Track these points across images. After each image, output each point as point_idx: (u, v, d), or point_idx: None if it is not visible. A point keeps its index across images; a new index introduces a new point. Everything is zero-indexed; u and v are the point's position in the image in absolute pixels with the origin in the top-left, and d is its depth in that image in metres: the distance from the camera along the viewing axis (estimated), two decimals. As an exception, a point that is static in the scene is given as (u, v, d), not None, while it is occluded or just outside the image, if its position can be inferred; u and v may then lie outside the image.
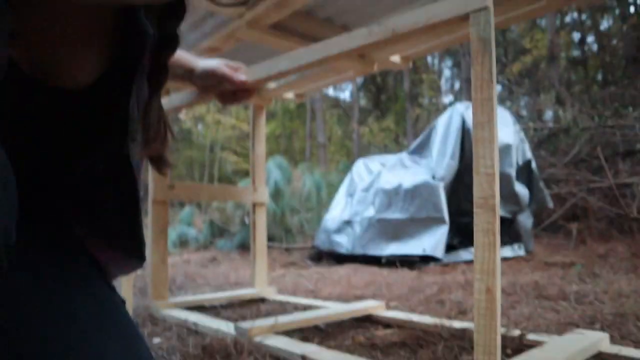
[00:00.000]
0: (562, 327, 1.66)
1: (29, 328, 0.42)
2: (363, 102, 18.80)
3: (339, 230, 4.37)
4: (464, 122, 3.96)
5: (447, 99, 16.63)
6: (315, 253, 4.67)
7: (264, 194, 2.55)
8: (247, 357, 1.36)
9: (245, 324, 1.58)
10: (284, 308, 2.22)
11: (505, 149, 3.88)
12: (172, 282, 3.17)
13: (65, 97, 0.50)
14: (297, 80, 2.06)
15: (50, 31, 0.47)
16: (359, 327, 1.81)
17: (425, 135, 4.54)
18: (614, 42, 11.60)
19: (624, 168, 5.10)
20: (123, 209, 0.57)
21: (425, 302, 2.25)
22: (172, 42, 0.62)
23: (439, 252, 3.57)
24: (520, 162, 4.12)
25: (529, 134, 6.06)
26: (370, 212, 4.13)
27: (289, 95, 2.32)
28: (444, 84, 17.86)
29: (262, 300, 2.44)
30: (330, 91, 18.10)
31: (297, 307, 2.21)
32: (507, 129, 4.06)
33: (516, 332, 1.46)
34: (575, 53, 13.13)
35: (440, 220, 3.67)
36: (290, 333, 1.65)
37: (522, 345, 1.41)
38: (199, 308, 2.23)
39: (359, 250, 4.04)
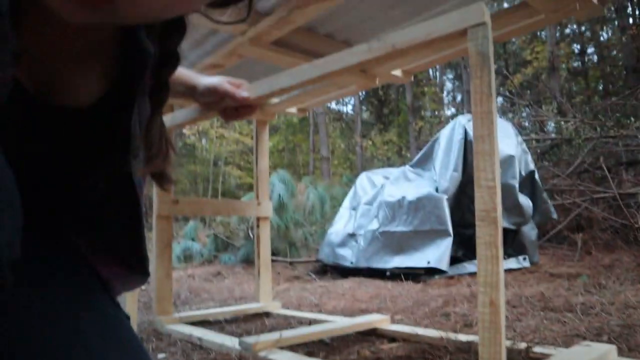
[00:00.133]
0: (568, 339, 1.65)
1: (33, 344, 0.42)
2: (366, 115, 18.88)
3: (343, 243, 4.37)
4: (466, 134, 3.97)
5: (449, 111, 16.69)
6: (319, 267, 4.66)
7: (267, 208, 2.56)
8: (252, 372, 1.35)
9: (250, 339, 1.58)
10: (288, 322, 2.21)
11: (508, 161, 3.88)
12: (177, 296, 3.17)
13: (68, 116, 0.51)
14: (300, 95, 2.08)
15: (54, 51, 0.48)
16: (364, 341, 1.81)
17: (428, 148, 4.55)
18: (614, 53, 11.65)
19: (627, 178, 5.09)
20: (126, 226, 0.57)
21: (430, 315, 2.23)
22: (173, 60, 0.62)
23: (443, 264, 3.56)
24: (524, 174, 4.12)
25: (532, 145, 6.06)
26: (374, 225, 4.13)
27: (292, 110, 2.34)
28: (445, 97, 17.94)
29: (267, 314, 2.44)
30: (333, 105, 18.20)
31: (301, 322, 2.20)
32: (509, 140, 4.07)
33: (522, 345, 1.45)
34: (576, 64, 13.19)
35: (444, 233, 3.66)
36: (295, 347, 1.65)
37: (528, 358, 1.41)
38: (204, 323, 2.23)
39: (363, 264, 4.03)
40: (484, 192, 0.88)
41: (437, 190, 3.91)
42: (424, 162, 4.49)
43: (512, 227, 3.91)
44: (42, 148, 0.52)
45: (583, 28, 12.92)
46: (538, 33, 11.83)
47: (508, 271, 3.60)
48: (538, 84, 11.07)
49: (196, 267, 5.60)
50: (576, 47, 13.38)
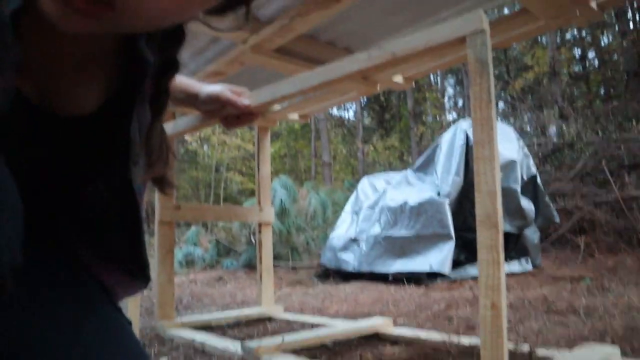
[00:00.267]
0: (572, 342, 1.65)
1: (35, 349, 0.43)
2: (367, 120, 18.89)
3: (345, 248, 4.37)
4: (467, 139, 3.99)
5: (450, 116, 16.69)
6: (321, 271, 4.66)
7: (269, 214, 2.57)
8: (255, 376, 1.36)
9: (252, 343, 1.58)
10: (290, 326, 2.22)
11: (510, 165, 3.89)
12: (179, 301, 3.17)
13: (69, 124, 0.52)
14: (301, 101, 2.09)
15: (55, 60, 0.49)
16: (367, 344, 1.81)
17: (429, 153, 4.56)
18: (615, 57, 11.66)
19: (629, 181, 5.09)
20: (126, 232, 0.58)
21: (432, 319, 2.24)
22: (173, 67, 0.63)
23: (445, 268, 3.56)
24: (526, 178, 4.13)
25: (533, 150, 6.07)
26: (376, 229, 4.14)
27: (294, 116, 2.35)
28: (447, 102, 17.95)
29: (269, 319, 2.44)
30: (335, 111, 18.22)
31: (304, 326, 2.20)
32: (511, 145, 4.08)
33: (525, 348, 1.46)
34: (577, 69, 13.19)
35: (447, 237, 3.66)
36: (297, 351, 1.65)
37: (531, 361, 1.41)
38: (206, 327, 2.23)
39: (365, 268, 4.03)
40: (484, 197, 0.89)
41: (438, 194, 3.92)
42: (426, 167, 4.50)
43: (514, 230, 3.91)
44: (43, 156, 0.53)
45: (584, 33, 12.94)
46: (539, 38, 11.85)
47: (510, 274, 3.60)
48: (539, 88, 11.09)
49: (198, 272, 5.61)
50: (577, 52, 13.41)
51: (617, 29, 11.27)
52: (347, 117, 19.70)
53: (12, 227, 0.35)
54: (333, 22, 1.89)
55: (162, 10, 0.39)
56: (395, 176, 4.86)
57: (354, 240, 4.34)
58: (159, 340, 2.01)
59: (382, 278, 3.85)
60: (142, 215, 0.59)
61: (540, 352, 1.44)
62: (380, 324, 1.95)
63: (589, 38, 12.97)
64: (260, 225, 2.55)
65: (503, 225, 0.88)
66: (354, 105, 16.85)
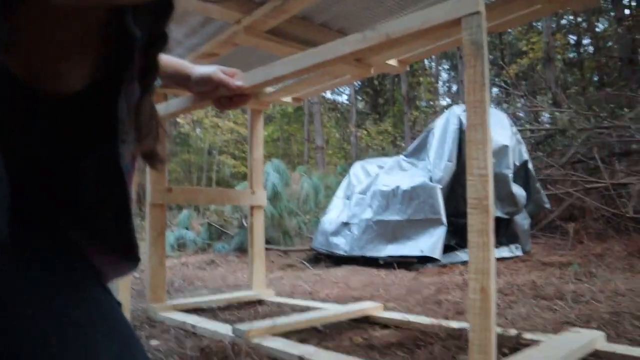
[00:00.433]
0: (558, 326, 1.68)
1: (24, 331, 0.43)
2: (361, 105, 18.82)
3: (336, 232, 4.39)
4: (461, 124, 3.98)
5: (444, 101, 16.67)
6: (313, 255, 4.68)
7: (262, 197, 2.56)
8: (244, 358, 1.37)
9: (243, 326, 1.59)
10: (281, 310, 2.23)
11: (502, 151, 3.90)
12: (170, 284, 3.18)
13: (57, 103, 0.52)
14: (295, 84, 2.07)
15: (43, 37, 0.48)
16: (357, 328, 1.83)
17: (422, 138, 4.56)
18: (610, 44, 11.66)
19: (619, 168, 5.13)
20: (114, 211, 0.58)
21: (422, 303, 2.26)
22: (161, 41, 0.62)
23: (436, 253, 3.59)
24: (517, 164, 4.14)
25: (526, 136, 6.09)
26: (368, 214, 4.15)
27: (287, 99, 2.33)
28: (441, 87, 17.91)
29: (260, 302, 2.45)
30: (328, 94, 18.13)
31: (295, 309, 2.22)
32: (504, 130, 4.08)
33: (513, 332, 1.48)
34: (572, 55, 13.19)
35: (438, 222, 3.68)
36: (288, 335, 1.66)
37: (519, 345, 1.43)
38: (197, 310, 2.24)
39: (356, 252, 4.05)
40: (476, 181, 0.89)
41: (431, 179, 3.93)
42: (419, 152, 4.50)
43: (505, 216, 3.94)
44: (31, 135, 0.52)
45: (579, 19, 12.91)
46: (534, 24, 11.81)
47: (500, 260, 3.63)
48: (533, 74, 11.08)
49: (190, 255, 5.61)
50: (572, 38, 13.39)
51: (613, 15, 11.24)
52: (340, 101, 19.62)
53: None
54: (326, 3, 1.87)
55: None
56: (387, 161, 4.86)
57: (346, 225, 4.36)
58: (150, 322, 2.02)
59: (373, 262, 3.87)
60: (131, 194, 0.59)
61: (528, 336, 1.45)
62: (370, 307, 1.97)
63: (584, 24, 12.94)
64: (252, 208, 2.54)
65: (494, 210, 0.88)
66: (348, 89, 16.78)
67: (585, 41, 13.67)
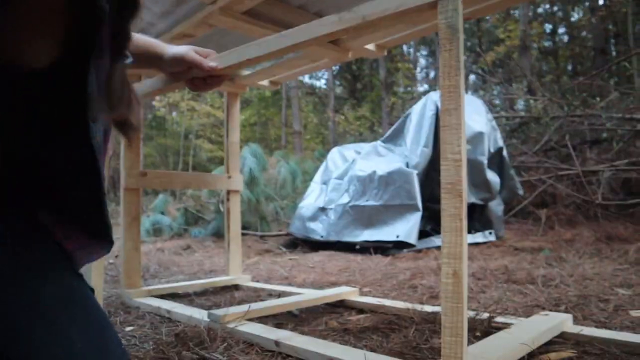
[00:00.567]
0: (529, 310, 1.72)
1: None
2: (339, 90, 18.79)
3: (313, 217, 4.39)
4: (437, 111, 4.01)
5: (422, 87, 16.77)
6: (290, 240, 4.68)
7: (238, 182, 2.54)
8: (220, 343, 1.36)
9: (219, 311, 1.58)
10: (258, 295, 2.23)
11: (478, 137, 3.95)
12: (146, 270, 3.14)
13: (24, 80, 0.50)
14: (272, 67, 2.04)
15: (8, 11, 0.46)
16: (333, 312, 1.84)
17: (399, 124, 4.58)
18: (584, 33, 11.86)
19: (590, 156, 5.26)
20: (86, 192, 0.56)
21: (398, 288, 2.29)
22: (131, 7, 0.60)
23: (412, 238, 3.63)
24: (492, 150, 4.20)
25: (501, 123, 6.18)
26: (345, 199, 4.16)
27: (264, 82, 2.30)
28: (419, 73, 17.99)
29: (236, 287, 2.45)
30: (306, 79, 18.04)
31: (271, 294, 2.22)
32: (479, 117, 4.13)
33: (485, 315, 1.50)
34: (547, 44, 13.38)
35: (414, 207, 3.72)
36: (264, 319, 1.66)
37: (490, 328, 1.46)
38: (173, 296, 2.22)
39: (333, 237, 4.07)
40: (450, 165, 0.89)
41: (407, 165, 3.96)
42: (396, 138, 4.52)
43: (479, 202, 4.00)
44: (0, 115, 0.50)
45: (555, 8, 13.08)
46: (512, 11, 11.92)
47: (474, 245, 3.70)
48: (510, 62, 11.21)
49: (166, 240, 5.56)
50: (548, 27, 13.57)
51: (587, 4, 11.42)
52: (318, 85, 19.55)
53: None
54: (304, -15, 1.84)
55: None
56: (365, 146, 4.88)
57: (323, 210, 4.37)
58: (125, 308, 1.99)
59: (350, 247, 3.90)
60: (103, 174, 0.57)
61: (499, 319, 1.49)
62: (346, 292, 1.98)
63: (560, 13, 13.12)
64: (228, 193, 2.52)
65: (467, 195, 0.89)
66: (326, 74, 16.71)
67: (561, 30, 13.89)
